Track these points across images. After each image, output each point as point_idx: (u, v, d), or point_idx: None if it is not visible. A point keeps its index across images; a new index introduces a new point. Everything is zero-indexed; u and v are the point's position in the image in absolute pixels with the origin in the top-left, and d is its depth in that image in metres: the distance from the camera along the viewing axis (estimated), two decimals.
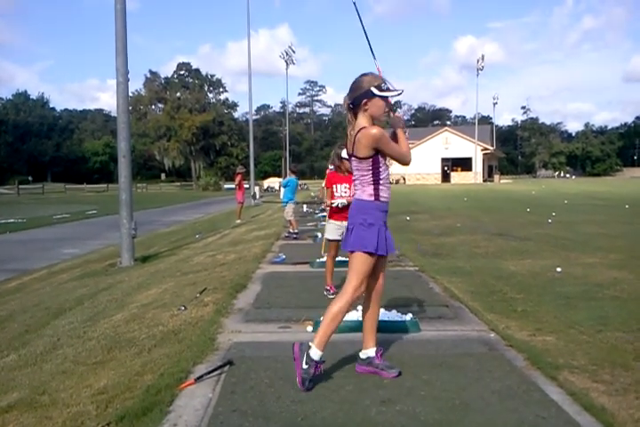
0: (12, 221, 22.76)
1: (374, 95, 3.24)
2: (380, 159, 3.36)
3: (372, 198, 3.37)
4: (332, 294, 5.62)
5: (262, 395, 3.22)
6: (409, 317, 4.63)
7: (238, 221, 18.04)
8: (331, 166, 6.17)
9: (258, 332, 4.60)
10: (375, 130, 3.24)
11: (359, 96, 3.27)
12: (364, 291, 3.40)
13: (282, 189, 12.80)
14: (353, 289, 3.34)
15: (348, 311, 3.41)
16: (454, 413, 2.95)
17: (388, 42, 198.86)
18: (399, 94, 3.33)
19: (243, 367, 3.68)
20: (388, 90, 3.29)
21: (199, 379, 3.43)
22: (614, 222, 14.19)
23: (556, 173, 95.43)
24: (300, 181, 13.83)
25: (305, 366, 3.26)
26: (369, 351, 3.54)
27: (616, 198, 25.75)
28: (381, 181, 3.38)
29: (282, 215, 13.69)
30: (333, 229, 5.93)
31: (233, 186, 22.81)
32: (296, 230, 11.83)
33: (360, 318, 4.45)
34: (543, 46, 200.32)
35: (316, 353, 3.30)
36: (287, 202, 12.34)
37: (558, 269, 7.16)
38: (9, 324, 6.35)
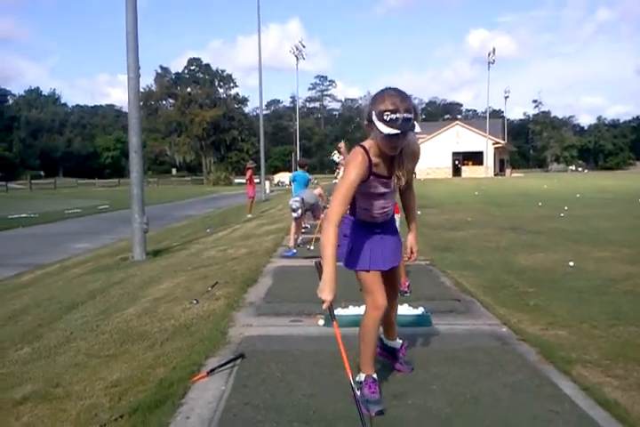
0: (24, 215, 22.93)
1: (371, 120, 2.66)
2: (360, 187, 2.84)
3: (348, 213, 3.07)
4: (408, 291, 5.64)
5: (274, 388, 3.23)
6: (420, 311, 4.63)
7: (249, 216, 18.07)
8: None
9: (269, 325, 4.61)
10: (355, 160, 2.77)
11: (366, 115, 2.73)
12: (383, 304, 2.99)
13: (293, 184, 12.79)
14: (368, 306, 3.04)
15: (375, 328, 3.05)
16: (466, 407, 2.94)
17: (400, 35, 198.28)
18: (392, 135, 2.60)
19: (254, 361, 3.69)
20: (388, 122, 2.58)
21: (211, 372, 3.45)
22: (627, 216, 14.07)
23: (569, 166, 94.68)
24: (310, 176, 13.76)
25: (358, 393, 2.88)
26: (394, 342, 3.48)
27: (629, 192, 25.53)
28: (358, 204, 3.02)
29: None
30: None
31: (244, 181, 22.82)
32: (306, 225, 11.83)
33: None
34: (556, 39, 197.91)
35: (359, 376, 3.07)
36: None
37: (570, 264, 7.12)
38: (23, 317, 6.40)
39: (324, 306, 2.69)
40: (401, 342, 3.50)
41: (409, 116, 2.58)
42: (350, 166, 2.77)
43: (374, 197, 2.96)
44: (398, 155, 2.83)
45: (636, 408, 2.92)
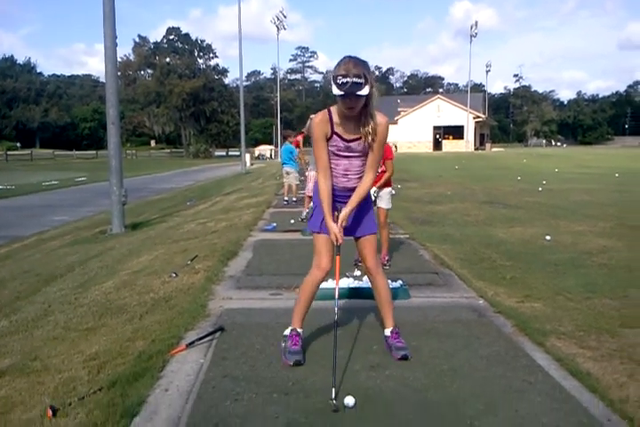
0: (0, 187, 22.57)
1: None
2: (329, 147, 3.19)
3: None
4: (386, 264, 5.64)
5: (253, 361, 3.25)
6: (399, 284, 4.67)
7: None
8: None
9: (249, 298, 4.63)
10: (314, 119, 3.20)
11: None
12: (325, 268, 3.31)
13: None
14: (313, 266, 3.36)
15: (313, 288, 3.37)
16: (442, 378, 2.99)
17: (382, 6, 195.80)
18: (341, 95, 2.90)
19: (234, 334, 3.71)
20: (340, 85, 2.88)
21: (190, 345, 3.46)
22: (604, 191, 14.26)
23: (542, 140, 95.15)
24: None
25: (282, 344, 3.35)
26: (385, 330, 3.49)
27: (607, 167, 25.81)
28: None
29: (273, 183, 13.61)
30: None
31: (224, 153, 22.57)
32: (286, 198, 11.85)
33: (342, 286, 4.51)
34: (538, 13, 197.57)
35: (287, 329, 3.40)
36: (285, 164, 11.98)
37: (547, 237, 7.22)
38: None
39: (337, 242, 3.19)
40: (391, 328, 3.46)
41: (358, 80, 2.88)
42: (312, 126, 3.20)
43: (339, 157, 3.22)
44: (361, 116, 3.07)
45: (606, 378, 2.99)
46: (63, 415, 2.68)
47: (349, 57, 2.97)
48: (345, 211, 3.20)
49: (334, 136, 3.14)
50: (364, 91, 2.89)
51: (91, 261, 7.21)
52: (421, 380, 2.97)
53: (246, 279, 5.24)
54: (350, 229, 3.32)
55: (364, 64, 2.94)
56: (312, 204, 3.47)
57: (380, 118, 3.12)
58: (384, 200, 5.76)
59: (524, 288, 4.86)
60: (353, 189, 3.25)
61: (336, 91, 2.91)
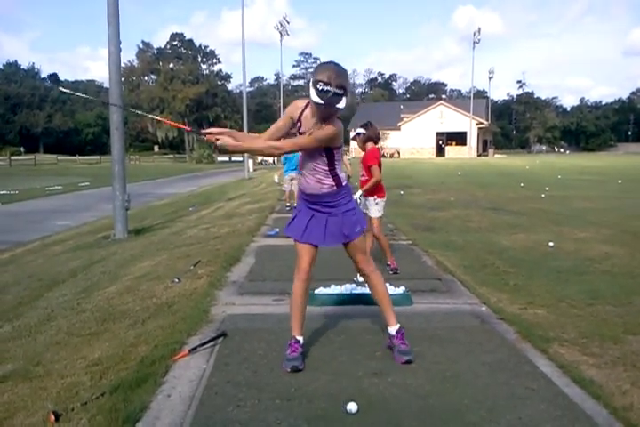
0: (4, 192, 22.62)
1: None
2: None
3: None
4: (392, 270, 5.63)
5: (256, 366, 3.25)
6: (401, 290, 4.66)
7: None
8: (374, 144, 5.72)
9: (252, 304, 4.63)
10: (295, 101, 3.27)
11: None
12: (305, 268, 3.32)
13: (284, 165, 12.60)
14: (295, 269, 3.37)
15: (300, 293, 3.36)
16: (445, 384, 2.99)
17: (385, 11, 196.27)
18: (318, 103, 2.89)
19: (236, 339, 3.71)
20: (319, 91, 2.85)
21: (193, 350, 3.46)
22: (607, 198, 14.24)
23: (544, 147, 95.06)
24: None
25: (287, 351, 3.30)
26: (390, 329, 3.45)
27: (609, 173, 25.78)
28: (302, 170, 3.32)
29: (276, 189, 13.58)
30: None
31: (226, 159, 22.55)
32: (288, 204, 11.84)
33: (345, 291, 4.50)
34: (543, 19, 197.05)
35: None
36: (294, 169, 12.04)
37: (550, 244, 7.20)
38: (2, 296, 6.35)
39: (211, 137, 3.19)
40: (396, 328, 3.43)
41: (339, 91, 2.86)
42: (290, 105, 3.26)
43: (303, 153, 3.24)
44: (320, 119, 3.03)
45: (610, 386, 2.98)
46: (66, 421, 2.69)
47: (333, 63, 2.95)
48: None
49: (297, 124, 3.18)
50: (342, 103, 2.89)
51: (93, 267, 7.22)
52: (424, 386, 2.97)
53: (249, 285, 5.24)
54: (337, 238, 3.29)
55: (344, 74, 2.93)
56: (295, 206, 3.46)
57: (333, 123, 3.05)
58: (371, 209, 5.64)
59: (527, 295, 4.85)
60: (314, 195, 3.24)
61: (315, 98, 2.87)
